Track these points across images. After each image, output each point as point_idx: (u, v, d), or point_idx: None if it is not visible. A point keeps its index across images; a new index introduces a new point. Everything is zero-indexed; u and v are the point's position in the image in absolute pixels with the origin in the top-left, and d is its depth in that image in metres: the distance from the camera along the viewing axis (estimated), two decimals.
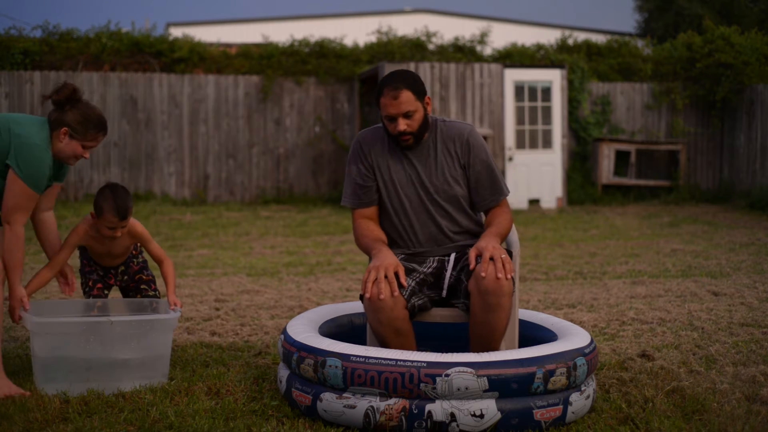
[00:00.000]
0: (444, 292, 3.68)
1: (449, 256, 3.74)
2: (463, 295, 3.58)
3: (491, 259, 3.41)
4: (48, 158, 3.73)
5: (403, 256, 3.76)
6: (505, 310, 3.45)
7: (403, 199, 3.76)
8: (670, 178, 14.81)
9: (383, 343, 3.54)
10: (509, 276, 3.39)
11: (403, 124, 3.64)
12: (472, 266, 3.47)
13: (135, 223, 4.16)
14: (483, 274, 3.38)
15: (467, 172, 3.76)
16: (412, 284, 3.60)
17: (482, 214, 3.88)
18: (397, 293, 3.44)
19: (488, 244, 3.47)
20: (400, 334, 3.50)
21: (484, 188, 3.76)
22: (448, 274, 3.66)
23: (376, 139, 3.81)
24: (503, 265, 3.39)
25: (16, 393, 3.65)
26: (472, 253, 3.48)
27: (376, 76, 13.89)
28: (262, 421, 3.35)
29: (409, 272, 3.64)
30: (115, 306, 4.14)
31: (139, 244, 4.32)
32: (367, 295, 3.44)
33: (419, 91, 3.66)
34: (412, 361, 3.19)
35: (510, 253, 3.70)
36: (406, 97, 3.62)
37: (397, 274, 3.47)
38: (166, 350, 3.88)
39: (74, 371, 3.69)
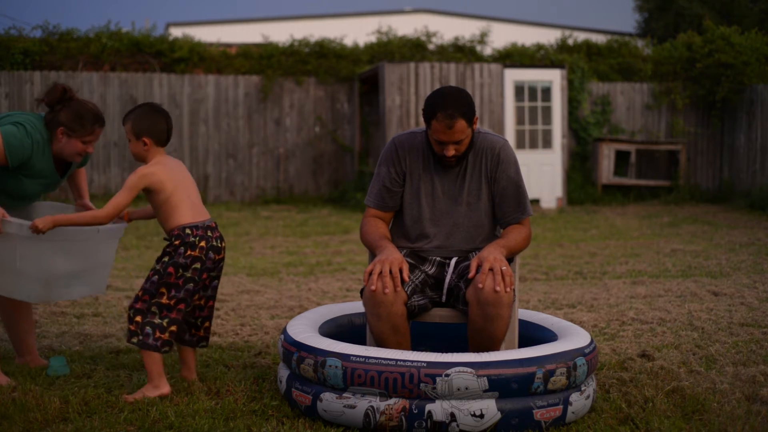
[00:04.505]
0: (443, 297, 3.68)
1: (450, 259, 3.74)
2: (462, 302, 3.58)
3: (491, 270, 3.41)
4: (25, 139, 3.74)
5: (405, 251, 3.76)
6: (504, 320, 3.44)
7: (423, 208, 3.76)
8: (670, 178, 14.81)
9: (379, 340, 3.54)
10: (508, 289, 3.38)
11: (452, 150, 3.62)
12: (471, 275, 3.46)
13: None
14: (480, 285, 3.38)
15: (492, 187, 3.74)
16: (416, 281, 3.61)
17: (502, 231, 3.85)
18: (399, 288, 3.45)
19: (490, 254, 3.46)
20: (397, 331, 3.50)
21: (508, 205, 3.73)
22: (448, 278, 3.66)
23: (414, 146, 3.77)
24: (503, 277, 3.39)
25: (4, 383, 3.78)
26: (473, 263, 3.47)
27: (376, 76, 13.89)
28: (262, 421, 3.35)
29: (411, 269, 3.64)
30: (44, 210, 4.17)
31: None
32: (372, 287, 3.43)
33: (471, 117, 3.60)
34: (412, 361, 3.19)
35: (511, 260, 3.70)
36: (461, 126, 3.56)
37: (401, 270, 3.47)
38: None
39: (54, 282, 3.82)
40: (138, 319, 3.68)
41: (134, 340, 3.69)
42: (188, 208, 3.76)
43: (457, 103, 3.55)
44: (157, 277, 3.69)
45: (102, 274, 4.06)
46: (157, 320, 3.67)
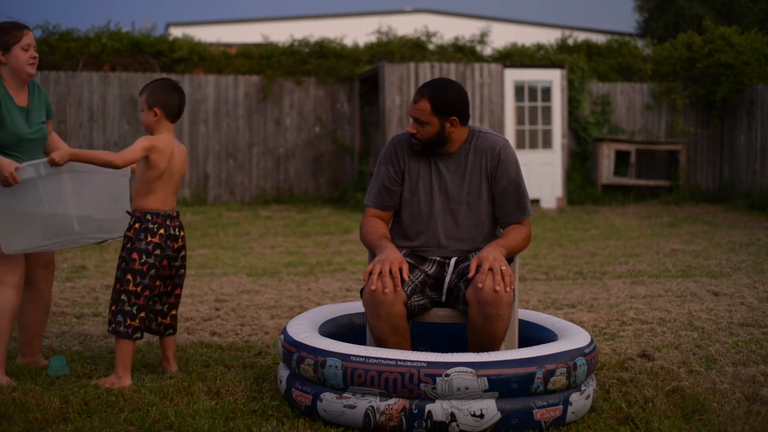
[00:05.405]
0: (443, 297, 3.68)
1: (450, 259, 3.74)
2: (461, 302, 3.59)
3: (491, 270, 3.41)
4: None
5: (405, 251, 3.76)
6: (504, 320, 3.45)
7: (422, 207, 3.77)
8: (670, 178, 14.81)
9: (379, 340, 3.54)
10: (508, 289, 3.39)
11: (411, 128, 3.71)
12: (471, 275, 3.47)
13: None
14: (480, 285, 3.39)
15: (493, 186, 3.75)
16: (416, 281, 3.61)
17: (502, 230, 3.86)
18: (399, 288, 3.45)
19: (489, 254, 3.47)
20: (397, 331, 3.50)
21: (509, 204, 3.75)
22: (447, 278, 3.66)
23: (413, 146, 3.81)
24: (502, 276, 3.39)
25: (4, 383, 3.80)
26: (473, 263, 3.48)
27: (376, 76, 13.89)
28: (262, 421, 3.36)
29: (411, 269, 3.64)
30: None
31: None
32: (372, 287, 3.44)
33: (441, 109, 3.65)
34: (412, 361, 3.19)
35: (511, 260, 3.70)
36: (422, 106, 3.66)
37: (400, 270, 3.48)
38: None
39: (85, 221, 3.90)
40: (113, 308, 3.88)
41: (109, 328, 3.89)
42: (160, 196, 3.95)
43: (433, 88, 3.69)
44: (124, 264, 3.89)
45: (124, 217, 4.15)
46: (127, 308, 3.85)
